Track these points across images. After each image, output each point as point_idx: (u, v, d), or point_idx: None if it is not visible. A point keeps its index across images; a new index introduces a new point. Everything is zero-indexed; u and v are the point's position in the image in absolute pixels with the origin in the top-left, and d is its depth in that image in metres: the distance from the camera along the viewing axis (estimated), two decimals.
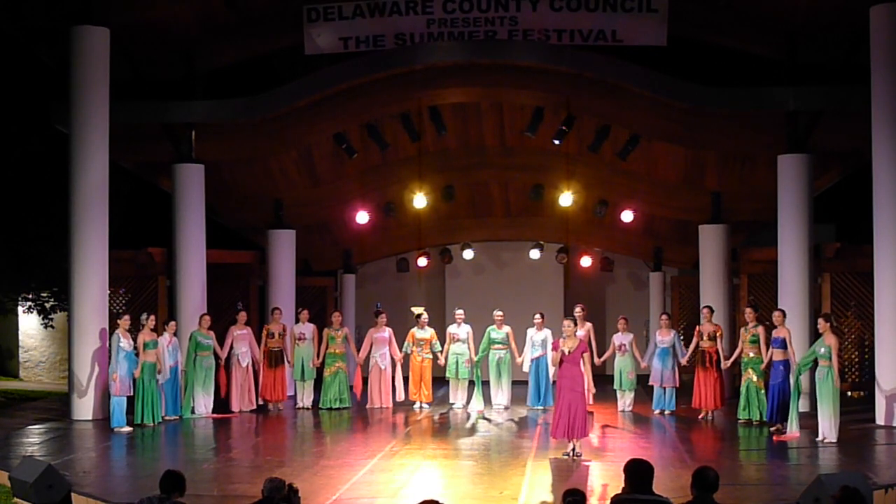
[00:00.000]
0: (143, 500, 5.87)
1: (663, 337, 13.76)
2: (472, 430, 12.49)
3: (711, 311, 13.56)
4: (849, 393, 15.46)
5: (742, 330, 12.85)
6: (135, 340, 12.48)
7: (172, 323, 13.50)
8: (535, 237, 19.00)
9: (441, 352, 14.59)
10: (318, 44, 14.55)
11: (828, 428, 11.08)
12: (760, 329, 12.53)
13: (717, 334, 13.24)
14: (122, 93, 13.86)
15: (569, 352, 10.09)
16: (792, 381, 11.54)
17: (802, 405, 12.00)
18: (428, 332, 14.61)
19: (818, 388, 11.24)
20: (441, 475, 9.54)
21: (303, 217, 17.06)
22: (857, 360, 15.76)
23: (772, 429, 11.81)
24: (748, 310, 12.85)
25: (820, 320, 11.40)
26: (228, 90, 15.33)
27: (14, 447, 10.90)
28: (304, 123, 14.89)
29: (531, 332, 14.35)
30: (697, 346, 13.32)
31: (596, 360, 13.60)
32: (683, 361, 13.59)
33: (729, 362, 13.27)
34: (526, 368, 14.41)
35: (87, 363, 12.78)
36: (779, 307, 12.81)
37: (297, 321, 14.77)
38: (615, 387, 14.03)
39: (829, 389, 11.08)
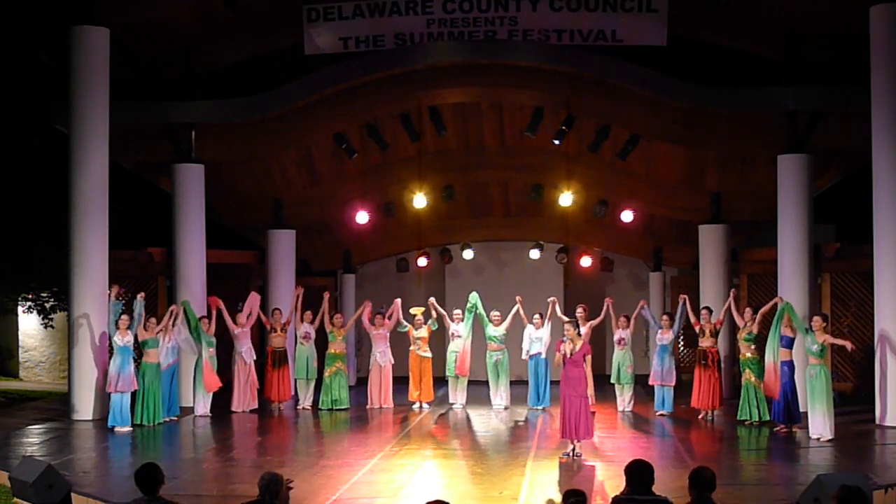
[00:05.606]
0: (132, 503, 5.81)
1: (663, 335, 13.76)
2: (472, 430, 12.50)
3: (710, 311, 13.55)
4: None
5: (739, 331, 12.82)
6: (135, 340, 12.50)
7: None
8: (535, 237, 18.97)
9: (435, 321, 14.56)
10: (318, 44, 14.56)
11: (823, 426, 11.08)
12: (755, 326, 12.54)
13: (718, 327, 13.29)
14: (122, 93, 13.87)
15: (570, 354, 10.09)
16: (768, 353, 11.64)
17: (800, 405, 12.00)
18: (425, 331, 14.61)
19: (811, 387, 11.21)
20: (441, 475, 9.55)
21: (303, 217, 17.05)
22: (856, 358, 15.74)
23: (775, 429, 11.80)
24: (748, 310, 12.83)
25: (819, 319, 11.40)
26: (228, 90, 15.34)
27: (14, 447, 10.90)
28: (304, 123, 14.90)
29: (530, 329, 14.38)
30: (698, 336, 13.34)
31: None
32: (661, 324, 13.60)
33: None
34: (525, 356, 14.40)
35: (87, 363, 12.78)
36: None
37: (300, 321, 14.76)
38: (612, 380, 14.03)
39: (823, 388, 11.07)
